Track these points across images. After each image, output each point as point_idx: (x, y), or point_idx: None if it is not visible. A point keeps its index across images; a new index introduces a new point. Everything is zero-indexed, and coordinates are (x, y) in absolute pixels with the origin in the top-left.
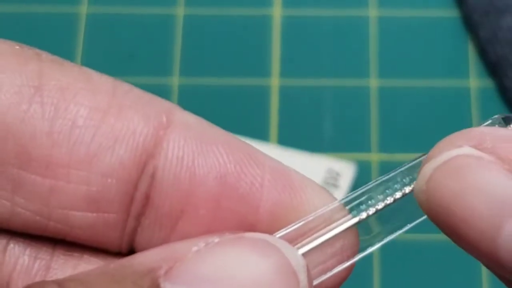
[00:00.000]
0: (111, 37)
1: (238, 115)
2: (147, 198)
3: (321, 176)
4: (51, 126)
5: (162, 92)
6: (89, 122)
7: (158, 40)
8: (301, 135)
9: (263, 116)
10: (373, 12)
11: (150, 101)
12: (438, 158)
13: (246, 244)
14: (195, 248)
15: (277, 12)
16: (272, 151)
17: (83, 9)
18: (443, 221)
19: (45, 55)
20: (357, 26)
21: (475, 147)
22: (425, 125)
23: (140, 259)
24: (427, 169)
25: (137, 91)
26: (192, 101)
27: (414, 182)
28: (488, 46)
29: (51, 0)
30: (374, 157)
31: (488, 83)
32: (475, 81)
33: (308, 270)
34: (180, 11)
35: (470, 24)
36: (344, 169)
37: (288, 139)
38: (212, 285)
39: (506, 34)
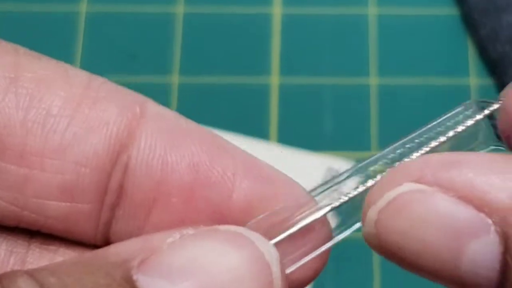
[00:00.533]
0: (111, 35)
1: (238, 113)
2: (120, 188)
3: (321, 174)
4: (25, 115)
5: (162, 90)
6: (63, 111)
7: (158, 38)
8: (301, 134)
9: (263, 115)
10: (372, 10)
11: (124, 93)
12: (380, 200)
13: (221, 236)
14: (170, 240)
15: (277, 10)
16: (272, 149)
17: (83, 8)
18: (400, 259)
19: (22, 49)
20: (356, 24)
21: (416, 181)
22: (425, 123)
23: (114, 250)
24: (372, 213)
25: (112, 84)
26: (192, 100)
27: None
28: (488, 44)
29: None
30: None
31: (488, 81)
32: (475, 79)
33: (281, 262)
34: (180, 10)
35: (470, 22)
36: (344, 168)
37: (288, 138)
38: (186, 277)
39: (506, 32)
